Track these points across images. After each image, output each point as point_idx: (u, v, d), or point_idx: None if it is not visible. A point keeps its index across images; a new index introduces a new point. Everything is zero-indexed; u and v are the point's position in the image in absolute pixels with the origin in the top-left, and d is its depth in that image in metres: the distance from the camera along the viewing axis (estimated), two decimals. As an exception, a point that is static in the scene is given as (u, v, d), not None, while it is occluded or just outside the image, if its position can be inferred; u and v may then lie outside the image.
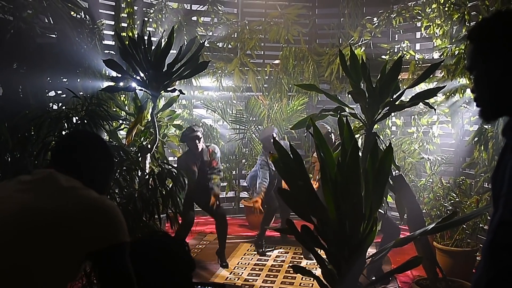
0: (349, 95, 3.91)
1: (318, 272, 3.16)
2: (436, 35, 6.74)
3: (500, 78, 1.42)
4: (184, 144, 6.01)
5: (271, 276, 5.30)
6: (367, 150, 3.43)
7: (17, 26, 4.73)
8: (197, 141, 5.43)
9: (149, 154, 4.68)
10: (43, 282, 1.57)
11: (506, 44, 1.41)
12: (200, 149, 5.48)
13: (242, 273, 5.37)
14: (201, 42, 5.81)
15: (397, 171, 4.27)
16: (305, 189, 2.92)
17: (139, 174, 4.18)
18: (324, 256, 3.10)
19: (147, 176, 3.58)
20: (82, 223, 1.60)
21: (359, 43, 7.59)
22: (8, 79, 4.74)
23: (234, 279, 5.20)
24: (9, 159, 4.33)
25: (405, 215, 4.20)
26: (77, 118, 3.78)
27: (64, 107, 4.75)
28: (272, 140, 3.05)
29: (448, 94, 6.18)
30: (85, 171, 1.78)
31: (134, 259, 1.69)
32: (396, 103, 3.86)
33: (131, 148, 4.68)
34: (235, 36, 8.10)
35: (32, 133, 4.37)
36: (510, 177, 1.33)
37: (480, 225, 5.17)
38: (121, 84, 5.26)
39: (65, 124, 3.70)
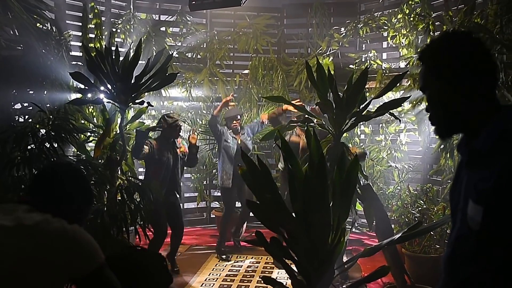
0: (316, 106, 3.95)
1: (289, 282, 3.17)
2: (402, 44, 6.86)
3: (451, 98, 1.46)
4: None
5: (243, 286, 5.29)
6: (335, 161, 3.47)
7: (-20, 39, 4.66)
8: (177, 131, 5.60)
9: (117, 168, 4.64)
10: None
11: (454, 65, 1.46)
12: (176, 140, 5.64)
13: (214, 284, 5.35)
14: (170, 53, 5.80)
15: (365, 180, 4.33)
16: (273, 201, 2.94)
17: (107, 188, 4.14)
18: (294, 267, 3.12)
19: (116, 190, 3.56)
20: (57, 255, 1.65)
21: (327, 53, 7.67)
22: (-29, 92, 4.67)
23: (206, 290, 5.18)
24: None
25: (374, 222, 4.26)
26: (43, 132, 3.74)
27: (30, 120, 4.69)
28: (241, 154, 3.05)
29: (414, 102, 6.29)
30: (61, 204, 1.83)
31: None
32: (363, 113, 3.91)
33: (100, 160, 4.63)
34: (204, 46, 8.10)
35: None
36: (465, 193, 1.36)
37: (448, 231, 5.26)
38: (89, 95, 5.21)
39: (31, 138, 3.66)
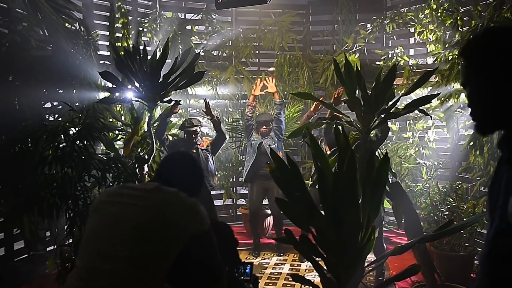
0: (345, 104, 3.92)
1: (317, 280, 3.16)
2: (429, 40, 6.78)
3: (492, 94, 1.43)
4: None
5: (270, 284, 5.30)
6: (363, 158, 3.45)
7: (12, 39, 4.76)
8: (193, 136, 5.64)
9: (146, 165, 4.69)
10: (155, 264, 2.07)
11: (496, 61, 1.43)
12: (195, 142, 5.67)
13: (241, 281, 5.36)
14: (196, 51, 5.83)
15: (393, 178, 4.29)
16: (302, 199, 2.93)
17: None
18: (323, 265, 3.12)
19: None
20: (184, 218, 2.16)
21: (353, 50, 7.62)
22: (3, 92, 4.76)
23: None
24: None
25: (402, 220, 4.22)
26: (73, 130, 3.79)
27: (60, 119, 4.77)
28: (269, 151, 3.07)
29: (442, 99, 6.21)
30: (182, 183, 2.32)
31: None
32: (391, 110, 3.87)
33: (128, 160, 4.68)
34: (230, 44, 8.12)
35: (30, 145, 4.40)
36: (506, 189, 1.34)
37: (478, 230, 5.19)
38: (117, 94, 5.27)
39: (62, 137, 3.72)
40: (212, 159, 5.96)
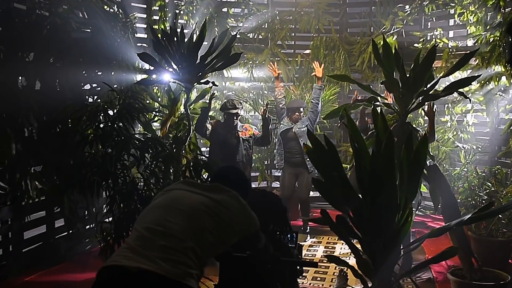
0: (382, 85, 3.89)
1: (352, 261, 3.17)
2: (470, 22, 6.63)
3: None
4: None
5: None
6: (401, 140, 3.42)
7: (53, 21, 4.84)
8: (234, 118, 5.70)
9: (183, 146, 4.74)
10: (202, 247, 2.15)
11: None
12: (235, 125, 5.72)
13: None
14: (232, 33, 5.84)
15: (431, 161, 4.25)
16: (339, 180, 2.93)
17: (173, 166, 4.26)
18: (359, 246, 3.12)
19: (184, 168, 3.65)
20: (238, 217, 2.31)
21: (391, 32, 7.52)
22: (45, 73, 4.86)
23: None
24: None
25: (440, 205, 4.18)
26: (113, 111, 3.87)
27: (99, 100, 4.86)
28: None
29: (482, 82, 6.09)
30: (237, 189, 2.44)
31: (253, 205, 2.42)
32: (430, 92, 3.83)
33: (165, 140, 4.75)
34: (266, 26, 8.10)
35: (70, 126, 4.50)
36: None
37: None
38: (154, 76, 5.32)
39: (102, 117, 3.79)
40: (252, 150, 6.05)
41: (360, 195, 2.98)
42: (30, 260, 5.17)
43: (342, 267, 3.44)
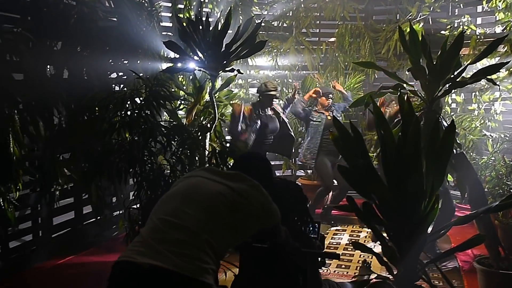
0: (407, 72, 3.86)
1: (378, 249, 3.17)
2: (498, 8, 6.51)
3: None
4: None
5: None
6: (428, 127, 3.39)
7: (80, 10, 4.89)
8: (272, 101, 5.78)
9: (208, 133, 4.78)
10: (218, 237, 2.10)
11: None
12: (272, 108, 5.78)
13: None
14: (257, 22, 5.84)
15: (458, 149, 4.21)
16: (365, 167, 2.93)
17: (199, 153, 4.30)
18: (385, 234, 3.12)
19: (209, 154, 3.68)
20: (258, 208, 2.24)
21: (417, 19, 7.42)
22: (72, 62, 4.93)
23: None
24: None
25: (466, 194, 4.15)
26: (140, 98, 3.91)
27: (125, 89, 4.91)
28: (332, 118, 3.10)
29: (511, 69, 5.99)
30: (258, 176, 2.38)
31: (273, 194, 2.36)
32: (458, 79, 3.78)
33: (191, 128, 4.79)
34: (290, 14, 8.07)
35: (97, 114, 4.56)
36: None
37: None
38: (179, 65, 5.36)
39: (129, 104, 3.84)
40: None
41: (386, 183, 2.98)
42: (59, 246, 5.29)
43: (365, 259, 3.43)
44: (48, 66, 4.86)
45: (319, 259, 2.98)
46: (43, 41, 4.71)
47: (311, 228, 3.02)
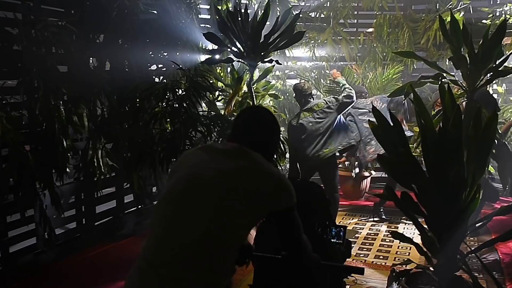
0: (447, 62, 3.83)
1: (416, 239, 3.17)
2: (542, -4, 6.36)
3: None
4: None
5: (366, 244, 5.33)
6: (469, 117, 3.36)
7: (122, 4, 4.98)
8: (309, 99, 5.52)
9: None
10: (232, 232, 1.89)
11: None
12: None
13: (338, 241, 5.44)
14: (294, 12, 5.84)
15: (500, 140, 4.15)
16: (405, 156, 2.93)
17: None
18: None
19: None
20: (269, 192, 1.92)
21: (457, 8, 7.30)
22: (114, 54, 5.03)
23: (330, 246, 5.26)
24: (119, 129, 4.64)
25: (508, 186, 4.10)
26: (181, 89, 3.98)
27: (165, 80, 5.00)
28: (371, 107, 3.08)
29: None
30: (262, 145, 2.06)
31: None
32: (500, 69, 3.73)
33: (230, 118, 4.84)
34: (328, 5, 8.03)
35: (138, 105, 4.66)
36: None
37: None
38: (217, 56, 5.42)
39: (170, 95, 3.91)
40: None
41: (426, 172, 2.98)
42: (101, 233, 5.44)
43: (394, 267, 3.40)
44: (91, 59, 4.98)
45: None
46: (86, 34, 4.83)
47: (335, 234, 2.79)
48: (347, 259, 2.87)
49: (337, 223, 2.76)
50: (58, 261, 4.78)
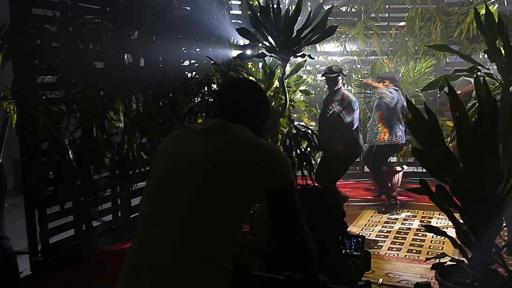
0: (481, 56, 3.80)
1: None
2: None
3: None
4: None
5: (399, 238, 5.32)
6: (504, 110, 3.34)
7: (156, 0, 5.06)
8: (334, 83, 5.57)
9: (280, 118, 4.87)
10: (226, 218, 1.73)
11: None
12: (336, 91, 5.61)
13: (370, 234, 5.45)
14: (325, 7, 5.84)
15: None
16: (440, 149, 2.93)
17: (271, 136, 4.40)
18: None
19: (284, 137, 3.76)
20: (259, 167, 1.75)
21: (491, 0, 7.19)
22: (148, 50, 5.12)
23: (362, 240, 5.27)
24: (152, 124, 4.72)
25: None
26: (215, 84, 4.04)
27: (197, 76, 5.07)
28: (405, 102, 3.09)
29: None
30: (248, 118, 1.91)
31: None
32: (536, 61, 3.69)
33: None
34: (359, -1, 8.02)
35: (172, 100, 4.73)
36: None
37: None
38: (249, 52, 5.46)
39: (206, 89, 3.98)
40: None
41: (461, 165, 2.98)
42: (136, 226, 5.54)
43: (419, 282, 3.39)
44: (126, 55, 5.08)
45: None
46: (121, 31, 4.92)
47: (352, 244, 2.61)
48: (366, 272, 2.71)
49: (355, 233, 2.51)
50: (95, 252, 4.90)
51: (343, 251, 2.43)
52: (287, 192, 1.80)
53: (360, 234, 4.93)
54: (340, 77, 5.56)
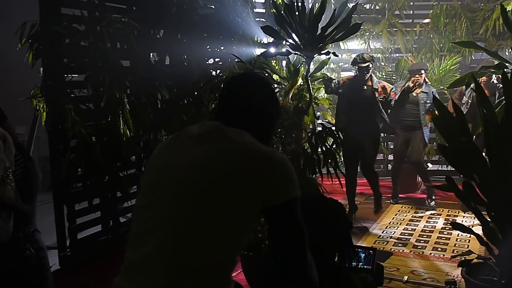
0: (507, 52, 3.76)
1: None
2: None
3: None
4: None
5: (424, 236, 5.30)
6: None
7: (181, -1, 5.11)
8: (365, 72, 5.62)
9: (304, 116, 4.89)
10: (217, 238, 1.51)
11: None
12: (366, 79, 5.67)
13: (394, 232, 5.44)
14: (348, 4, 5.84)
15: None
16: (467, 145, 2.93)
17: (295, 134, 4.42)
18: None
19: (310, 134, 3.78)
20: (256, 178, 1.52)
21: (518, -4, 7.10)
22: (174, 49, 5.18)
23: (387, 238, 5.26)
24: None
25: None
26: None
27: (221, 74, 5.11)
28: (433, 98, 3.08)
29: None
30: (254, 118, 1.69)
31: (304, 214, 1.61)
32: None
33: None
34: (383, -4, 7.98)
35: (197, 98, 4.78)
36: None
37: None
38: (272, 50, 5.48)
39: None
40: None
41: (488, 161, 2.97)
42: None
43: (450, 280, 3.37)
44: (152, 53, 5.14)
45: None
46: (147, 30, 4.98)
47: (362, 258, 2.44)
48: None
49: (366, 245, 2.34)
50: (122, 248, 4.97)
51: (352, 264, 2.33)
52: (288, 211, 1.52)
53: (379, 237, 4.94)
54: (371, 66, 5.69)
